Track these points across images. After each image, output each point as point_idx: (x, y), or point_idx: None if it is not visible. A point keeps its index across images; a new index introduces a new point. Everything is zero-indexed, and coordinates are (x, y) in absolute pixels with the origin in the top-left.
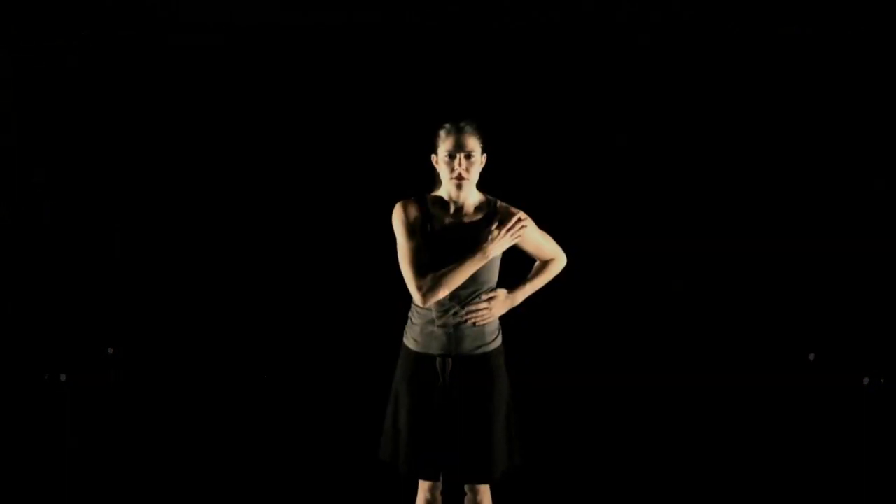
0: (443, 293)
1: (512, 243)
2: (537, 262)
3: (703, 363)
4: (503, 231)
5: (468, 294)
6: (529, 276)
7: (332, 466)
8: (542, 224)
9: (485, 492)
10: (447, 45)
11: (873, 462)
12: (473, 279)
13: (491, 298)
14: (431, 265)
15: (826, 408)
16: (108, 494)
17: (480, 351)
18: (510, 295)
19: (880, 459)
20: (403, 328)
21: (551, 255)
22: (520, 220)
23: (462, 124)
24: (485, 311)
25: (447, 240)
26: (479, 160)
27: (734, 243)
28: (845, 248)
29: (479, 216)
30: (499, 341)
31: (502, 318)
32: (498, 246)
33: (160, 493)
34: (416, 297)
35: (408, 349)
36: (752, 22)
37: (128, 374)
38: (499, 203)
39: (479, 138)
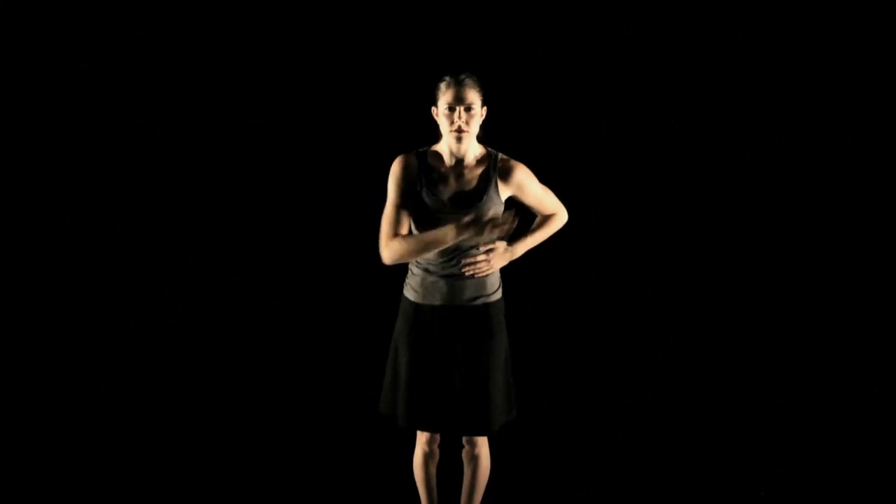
0: (400, 260)
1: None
2: (539, 217)
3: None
4: (482, 254)
5: (470, 245)
6: (531, 230)
7: (333, 419)
8: (544, 177)
9: (483, 444)
10: None
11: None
12: None
13: (490, 250)
14: (423, 223)
15: (824, 410)
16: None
17: (481, 301)
18: (510, 248)
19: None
20: (404, 279)
21: (552, 209)
22: (488, 260)
23: (462, 77)
24: (483, 264)
25: (447, 192)
26: (479, 113)
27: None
28: (844, 249)
29: (479, 169)
30: (499, 293)
31: (504, 272)
32: (476, 232)
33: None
34: (382, 254)
35: (408, 300)
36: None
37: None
38: (500, 156)
39: (479, 91)
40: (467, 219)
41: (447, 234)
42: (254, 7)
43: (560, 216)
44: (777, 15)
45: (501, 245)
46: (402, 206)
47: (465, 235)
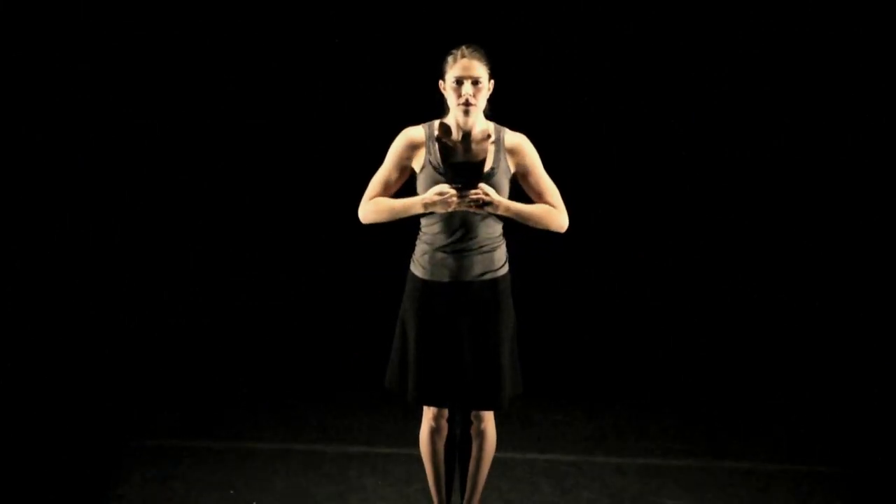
0: (372, 220)
1: (462, 209)
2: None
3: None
4: (460, 194)
5: (475, 220)
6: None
7: (338, 395)
8: (549, 150)
9: (490, 419)
10: None
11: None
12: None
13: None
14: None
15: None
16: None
17: (489, 276)
18: (502, 199)
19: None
20: (411, 255)
21: (555, 202)
22: (479, 195)
23: (469, 50)
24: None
25: (453, 165)
26: (487, 87)
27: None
28: (844, 249)
29: (486, 142)
30: (506, 268)
31: (510, 249)
32: (443, 205)
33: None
34: (359, 212)
35: (416, 277)
36: None
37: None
38: (505, 130)
39: (486, 65)
40: (433, 193)
41: (414, 205)
42: (254, 7)
43: (560, 212)
44: (776, 15)
45: (494, 192)
46: (391, 174)
47: (434, 209)
